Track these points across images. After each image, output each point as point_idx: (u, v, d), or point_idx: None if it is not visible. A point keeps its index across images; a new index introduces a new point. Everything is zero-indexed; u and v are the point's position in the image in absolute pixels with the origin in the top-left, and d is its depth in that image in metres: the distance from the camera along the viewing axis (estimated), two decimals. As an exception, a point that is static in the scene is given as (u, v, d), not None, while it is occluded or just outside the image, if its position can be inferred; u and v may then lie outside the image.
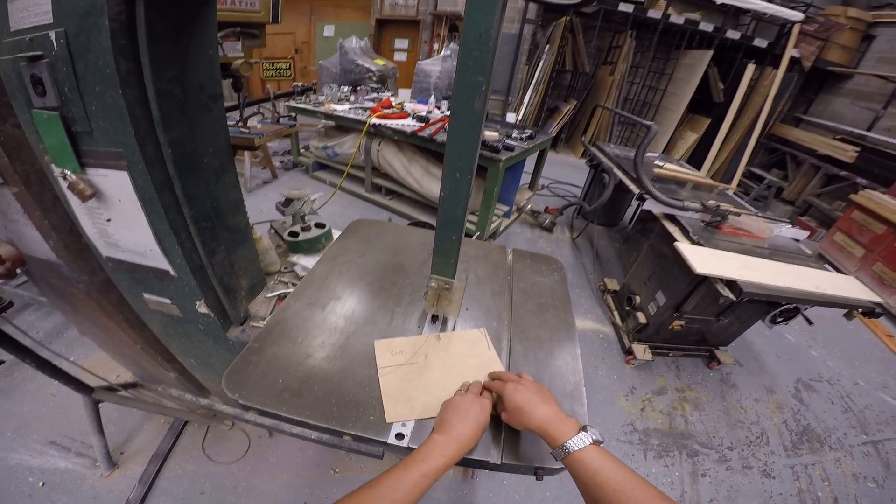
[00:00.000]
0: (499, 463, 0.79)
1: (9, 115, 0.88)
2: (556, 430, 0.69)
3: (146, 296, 1.15)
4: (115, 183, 0.86)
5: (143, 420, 1.99)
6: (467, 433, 0.73)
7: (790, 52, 6.02)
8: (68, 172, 0.85)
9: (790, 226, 2.75)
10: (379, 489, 0.63)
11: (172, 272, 1.02)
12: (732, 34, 6.46)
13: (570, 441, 0.66)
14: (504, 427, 0.84)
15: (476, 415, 0.76)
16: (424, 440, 0.73)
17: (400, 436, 0.81)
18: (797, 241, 2.66)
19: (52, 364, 1.44)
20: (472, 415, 0.76)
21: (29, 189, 0.96)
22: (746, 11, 6.39)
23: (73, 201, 0.93)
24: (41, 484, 1.70)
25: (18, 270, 1.20)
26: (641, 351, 2.65)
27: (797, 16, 5.95)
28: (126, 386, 1.82)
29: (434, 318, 1.11)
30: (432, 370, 0.95)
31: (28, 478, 1.71)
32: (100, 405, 1.71)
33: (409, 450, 0.80)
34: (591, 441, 0.67)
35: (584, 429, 0.69)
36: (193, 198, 0.92)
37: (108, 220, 0.95)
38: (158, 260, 0.99)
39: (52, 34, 0.69)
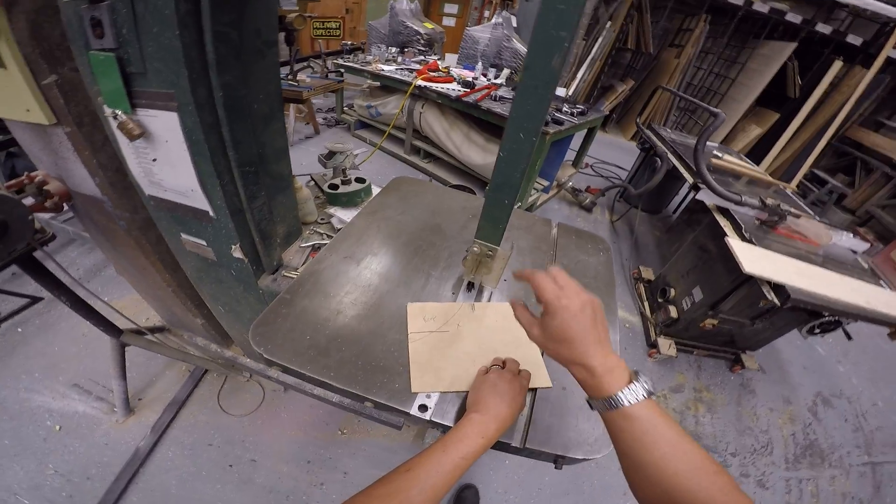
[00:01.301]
0: (520, 447, 0.76)
1: (66, 59, 0.90)
2: (603, 377, 0.56)
3: (184, 236, 1.16)
4: (164, 123, 0.86)
5: (166, 366, 2.04)
6: (506, 413, 0.70)
7: (888, 52, 5.43)
8: (119, 112, 0.86)
9: (851, 235, 2.55)
10: (417, 472, 0.59)
11: (212, 213, 1.01)
12: (823, 28, 5.88)
13: (621, 393, 0.54)
14: (532, 409, 0.80)
15: (514, 395, 0.73)
16: (461, 419, 0.70)
17: (423, 408, 0.78)
18: (855, 252, 2.48)
19: (85, 303, 1.47)
20: (510, 395, 0.72)
21: (81, 129, 0.99)
22: (844, 6, 5.78)
23: (122, 140, 0.94)
24: (58, 428, 1.74)
25: (65, 205, 1.23)
26: (666, 346, 2.58)
27: (904, 15, 5.34)
28: (153, 330, 1.86)
29: (470, 285, 1.07)
30: (464, 341, 0.92)
31: (46, 421, 1.76)
32: (126, 349, 1.74)
33: (431, 423, 0.78)
34: (644, 395, 0.54)
35: (635, 376, 0.57)
36: (240, 142, 0.91)
37: (154, 160, 0.95)
38: (199, 200, 0.99)
39: None
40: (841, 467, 2.32)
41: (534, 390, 0.86)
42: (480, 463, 1.91)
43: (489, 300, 1.06)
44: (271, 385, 2.01)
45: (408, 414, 0.78)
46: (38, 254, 1.20)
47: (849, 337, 2.22)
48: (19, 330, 2.11)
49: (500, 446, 0.77)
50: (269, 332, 0.86)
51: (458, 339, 0.92)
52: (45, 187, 1.15)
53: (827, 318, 2.08)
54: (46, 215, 2.45)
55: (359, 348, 0.86)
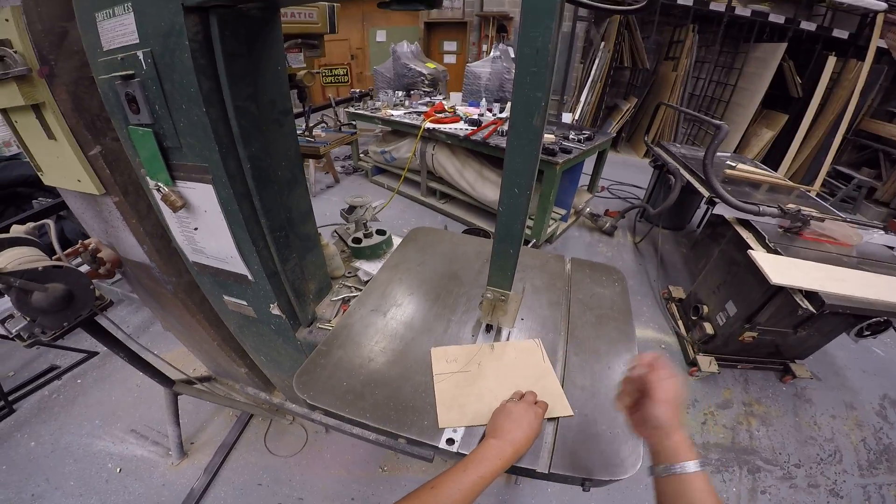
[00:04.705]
0: (546, 472, 0.80)
1: (108, 130, 0.98)
2: (685, 443, 0.65)
3: (226, 298, 1.25)
4: (202, 195, 0.93)
5: (214, 412, 2.15)
6: (521, 438, 0.75)
7: (876, 43, 5.42)
8: (161, 185, 0.93)
9: (883, 231, 2.49)
10: (440, 489, 0.65)
11: (250, 277, 1.10)
12: (807, 25, 5.93)
13: (689, 462, 0.62)
14: (555, 436, 0.84)
15: (530, 421, 0.77)
16: (479, 444, 0.76)
17: (451, 441, 0.84)
18: (892, 248, 2.40)
19: (140, 357, 1.59)
20: (525, 421, 0.77)
21: (127, 198, 1.07)
22: (821, 1, 5.86)
23: (165, 211, 1.02)
24: (118, 470, 1.88)
25: (117, 271, 1.35)
26: (707, 363, 2.50)
27: (879, 5, 5.34)
28: (202, 379, 1.98)
29: (489, 327, 1.13)
30: (485, 379, 0.97)
31: (108, 464, 1.90)
32: (178, 397, 1.87)
33: (459, 455, 0.82)
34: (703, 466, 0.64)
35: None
36: (269, 209, 0.99)
37: (196, 229, 1.04)
38: (238, 266, 1.08)
39: (140, 53, 0.75)
40: (926, 469, 2.16)
41: (556, 419, 0.89)
42: (523, 493, 1.90)
43: (507, 339, 1.11)
44: (313, 427, 2.09)
45: (437, 447, 0.83)
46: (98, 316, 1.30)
47: (903, 336, 2.13)
48: (79, 381, 2.30)
49: (525, 473, 0.81)
50: (311, 381, 0.94)
51: (480, 377, 0.97)
52: (98, 255, 1.26)
53: (874, 320, 2.01)
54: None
55: (390, 391, 0.92)
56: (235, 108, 0.81)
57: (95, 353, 2.38)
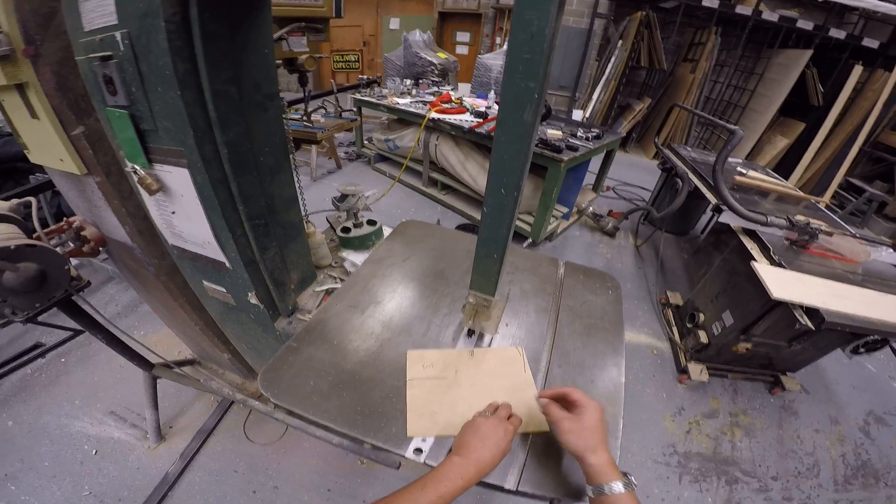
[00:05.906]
0: (514, 490, 0.77)
1: (92, 110, 0.96)
2: (610, 466, 0.69)
3: (205, 283, 1.22)
4: (178, 179, 0.91)
5: (196, 397, 2.13)
6: (486, 458, 0.71)
7: None
8: (138, 167, 0.92)
9: (892, 249, 2.42)
10: None
11: (227, 264, 1.07)
12: (836, 33, 5.73)
13: (618, 482, 0.66)
14: (527, 452, 0.81)
15: (498, 440, 0.74)
16: (443, 460, 0.73)
17: (418, 451, 0.80)
18: (899, 266, 2.34)
19: (119, 340, 1.57)
20: (493, 439, 0.74)
21: (109, 179, 1.05)
22: (854, 9, 5.63)
23: (143, 194, 1.00)
24: (94, 452, 1.86)
25: (101, 250, 1.33)
26: (697, 371, 2.47)
27: (916, 14, 5.16)
28: (184, 363, 1.96)
29: (470, 332, 1.08)
30: (461, 387, 0.93)
31: (84, 445, 1.88)
32: (158, 381, 1.85)
33: (426, 466, 0.79)
34: (633, 488, 0.67)
35: (625, 474, 0.69)
36: (248, 196, 0.96)
37: (173, 213, 1.02)
38: (215, 252, 1.05)
39: (118, 35, 0.73)
40: (898, 487, 2.14)
41: (531, 434, 0.86)
42: (498, 498, 1.86)
43: (490, 345, 1.07)
44: (295, 415, 2.07)
45: (403, 457, 0.80)
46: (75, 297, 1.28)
47: (897, 354, 2.10)
48: (62, 360, 2.27)
49: (492, 488, 0.77)
50: (277, 378, 0.90)
51: (456, 385, 0.93)
52: (82, 233, 1.24)
53: (872, 338, 1.96)
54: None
55: (359, 394, 0.88)
56: (213, 92, 0.78)
57: (81, 332, 2.35)
